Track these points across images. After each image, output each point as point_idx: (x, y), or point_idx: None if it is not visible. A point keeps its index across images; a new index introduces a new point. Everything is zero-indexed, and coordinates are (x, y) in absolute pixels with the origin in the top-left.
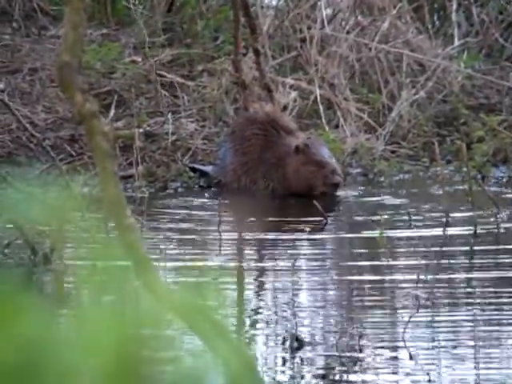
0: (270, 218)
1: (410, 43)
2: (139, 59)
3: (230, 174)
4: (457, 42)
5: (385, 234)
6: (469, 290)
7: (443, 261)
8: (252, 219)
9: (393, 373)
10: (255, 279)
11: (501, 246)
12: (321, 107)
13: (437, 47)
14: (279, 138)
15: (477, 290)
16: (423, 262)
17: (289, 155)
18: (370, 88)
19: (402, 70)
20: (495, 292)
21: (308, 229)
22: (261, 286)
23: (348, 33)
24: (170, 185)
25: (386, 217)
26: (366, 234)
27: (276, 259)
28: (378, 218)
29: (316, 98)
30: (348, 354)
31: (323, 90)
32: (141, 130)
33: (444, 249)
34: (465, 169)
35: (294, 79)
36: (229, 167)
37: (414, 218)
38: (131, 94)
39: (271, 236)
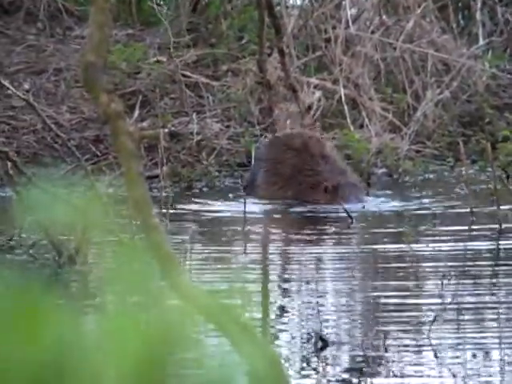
0: (295, 215)
1: (435, 43)
2: (164, 59)
3: (258, 192)
4: (481, 42)
5: (410, 231)
6: (494, 290)
7: (468, 261)
8: (277, 216)
9: (418, 373)
10: (280, 278)
11: None
12: (345, 107)
13: (461, 47)
14: (312, 164)
15: (502, 289)
16: (448, 262)
17: (318, 187)
18: (394, 88)
19: (426, 69)
20: None
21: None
22: (285, 286)
23: (373, 32)
24: (195, 185)
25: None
26: (392, 229)
27: (301, 259)
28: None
29: (340, 97)
30: (373, 354)
31: (348, 90)
32: (166, 130)
33: (469, 247)
34: (490, 168)
35: (319, 79)
36: (258, 185)
37: (438, 215)
38: (156, 94)
39: (296, 235)
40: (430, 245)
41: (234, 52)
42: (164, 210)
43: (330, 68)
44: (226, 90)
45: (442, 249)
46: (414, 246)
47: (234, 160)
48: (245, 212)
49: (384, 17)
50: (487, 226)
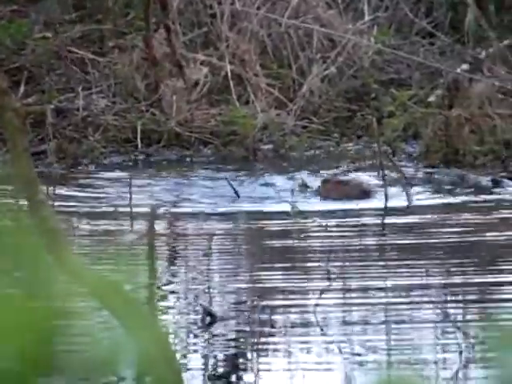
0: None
1: (320, 18)
2: (50, 35)
3: None
4: (367, 17)
5: (297, 209)
6: (380, 267)
7: (355, 235)
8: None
9: (304, 349)
10: (168, 255)
11: (410, 219)
12: (231, 83)
13: (347, 22)
14: None
15: (389, 266)
16: (335, 240)
17: None
18: (280, 64)
19: (312, 45)
20: (407, 260)
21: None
22: (173, 262)
23: (258, 8)
24: (81, 161)
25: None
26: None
27: (188, 234)
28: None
29: (227, 73)
30: (260, 329)
31: (234, 66)
32: (51, 107)
33: (357, 222)
34: (375, 144)
35: (205, 55)
36: None
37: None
38: (42, 70)
39: (187, 210)
40: (318, 220)
41: (120, 28)
42: (51, 186)
43: (216, 44)
44: (112, 65)
45: (330, 224)
46: (300, 221)
47: (120, 136)
48: (130, 192)
49: None
50: (373, 206)
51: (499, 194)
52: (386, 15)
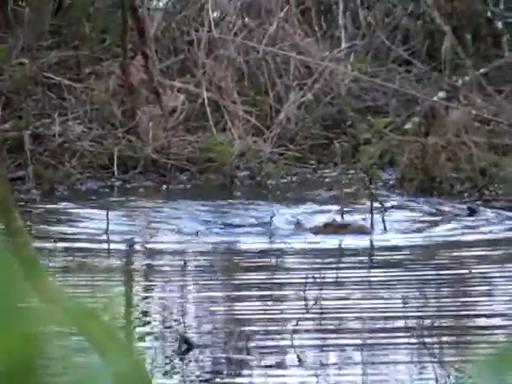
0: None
1: (298, 46)
2: (26, 61)
3: None
4: (344, 45)
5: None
6: (358, 294)
7: (332, 259)
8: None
9: (280, 376)
10: (143, 281)
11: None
12: (208, 110)
13: (324, 50)
14: None
15: (366, 291)
16: (313, 265)
17: None
18: (257, 91)
19: (289, 72)
20: (387, 293)
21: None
22: (149, 289)
23: (235, 35)
24: (57, 187)
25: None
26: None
27: (165, 259)
28: None
29: (204, 100)
30: (236, 356)
31: (211, 93)
32: (28, 132)
33: (337, 251)
34: (352, 171)
35: (182, 82)
36: None
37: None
38: (19, 96)
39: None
40: (291, 243)
41: (96, 54)
42: (28, 212)
43: (193, 71)
44: (89, 92)
45: (305, 247)
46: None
47: (96, 162)
48: (107, 214)
49: (246, 20)
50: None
51: (473, 222)
52: (362, 43)
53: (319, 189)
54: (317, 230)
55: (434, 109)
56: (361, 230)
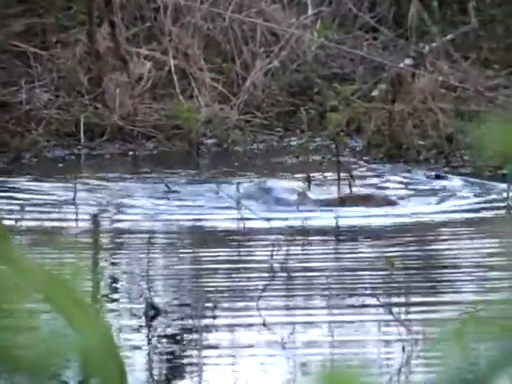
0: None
1: (264, 13)
2: None
3: None
4: (310, 12)
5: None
6: (325, 257)
7: (298, 233)
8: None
9: (247, 341)
10: (110, 249)
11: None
12: (175, 77)
13: (290, 17)
14: None
15: (331, 255)
16: (279, 231)
17: None
18: (224, 58)
19: (256, 39)
20: (353, 257)
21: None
22: (115, 256)
23: (202, 2)
24: (23, 155)
25: None
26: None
27: (132, 229)
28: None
29: (170, 68)
30: (203, 322)
31: (177, 60)
32: None
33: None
34: (319, 138)
35: (149, 49)
36: None
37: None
38: None
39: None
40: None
41: (63, 22)
42: None
43: (160, 38)
44: (55, 59)
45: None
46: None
47: (63, 130)
48: (75, 184)
49: None
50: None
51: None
52: (329, 10)
53: (285, 156)
54: (336, 202)
55: (401, 76)
56: (386, 201)
